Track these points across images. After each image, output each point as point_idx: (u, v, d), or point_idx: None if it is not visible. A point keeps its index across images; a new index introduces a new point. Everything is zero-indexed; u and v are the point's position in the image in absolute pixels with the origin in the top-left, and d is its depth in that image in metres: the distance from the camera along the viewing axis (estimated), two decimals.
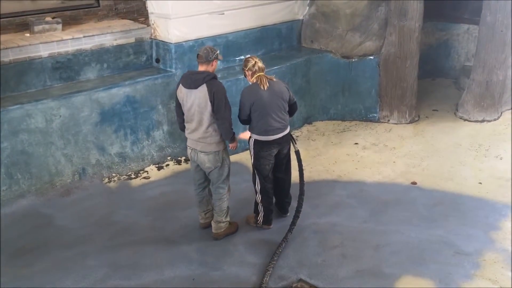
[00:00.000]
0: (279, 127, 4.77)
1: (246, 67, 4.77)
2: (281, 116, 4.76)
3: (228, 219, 4.93)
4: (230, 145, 4.81)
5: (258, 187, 4.99)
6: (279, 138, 4.80)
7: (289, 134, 4.94)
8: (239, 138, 4.95)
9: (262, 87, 4.67)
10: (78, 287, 4.35)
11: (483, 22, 7.17)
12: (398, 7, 7.10)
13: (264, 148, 4.81)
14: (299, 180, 5.13)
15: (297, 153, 5.11)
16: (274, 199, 5.22)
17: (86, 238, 5.03)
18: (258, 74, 4.71)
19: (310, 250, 4.74)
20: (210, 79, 4.49)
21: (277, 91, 4.73)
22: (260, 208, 5.04)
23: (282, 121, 4.78)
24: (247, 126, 4.94)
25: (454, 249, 4.66)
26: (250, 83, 4.82)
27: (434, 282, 4.26)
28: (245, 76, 4.88)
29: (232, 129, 4.65)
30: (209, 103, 4.46)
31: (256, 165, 4.91)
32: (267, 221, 5.10)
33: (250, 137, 4.89)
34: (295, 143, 5.10)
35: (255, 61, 4.74)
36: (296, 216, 5.02)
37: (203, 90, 4.46)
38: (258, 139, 4.79)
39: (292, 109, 4.94)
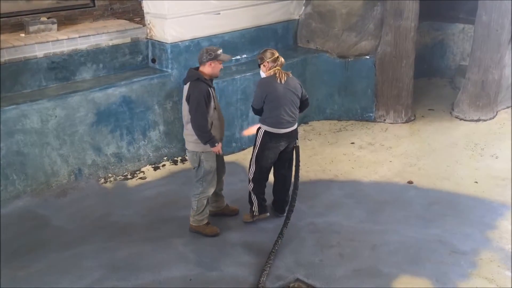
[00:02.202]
0: (289, 121, 4.85)
1: (268, 58, 4.78)
2: (293, 110, 4.85)
3: (198, 217, 4.94)
4: (211, 149, 4.70)
5: (251, 176, 5.05)
6: (289, 132, 4.88)
7: (297, 130, 5.00)
8: (243, 135, 5.08)
9: (279, 81, 4.73)
10: None
11: (478, 21, 7.20)
12: (394, 7, 7.11)
13: (273, 140, 4.88)
14: (294, 175, 5.15)
15: (297, 148, 5.14)
16: (273, 197, 5.29)
17: (82, 239, 5.01)
18: (277, 68, 4.77)
19: (307, 250, 4.74)
20: (194, 80, 4.58)
21: (291, 86, 4.81)
22: (253, 197, 5.11)
23: (293, 116, 4.86)
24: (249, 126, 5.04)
25: (450, 248, 4.68)
26: (264, 76, 4.86)
27: (430, 281, 4.27)
28: (260, 66, 4.88)
29: (204, 134, 4.58)
30: (186, 102, 4.60)
31: (259, 155, 4.95)
32: (262, 210, 5.16)
33: (259, 128, 4.94)
34: (297, 139, 5.12)
35: (278, 56, 4.79)
36: (290, 211, 5.05)
37: (186, 88, 4.63)
38: (268, 130, 4.86)
39: (304, 105, 5.01)
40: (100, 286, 4.33)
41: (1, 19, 6.14)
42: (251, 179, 5.06)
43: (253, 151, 5.04)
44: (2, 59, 5.68)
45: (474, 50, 7.32)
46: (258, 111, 4.93)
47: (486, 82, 7.27)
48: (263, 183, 5.11)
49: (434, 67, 9.00)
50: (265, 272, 4.34)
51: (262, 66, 4.87)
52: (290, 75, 4.87)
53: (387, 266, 4.47)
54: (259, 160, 4.97)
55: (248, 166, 5.16)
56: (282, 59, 4.82)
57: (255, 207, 5.12)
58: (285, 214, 5.18)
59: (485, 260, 4.51)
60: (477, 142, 6.81)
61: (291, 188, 5.21)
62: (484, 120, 7.38)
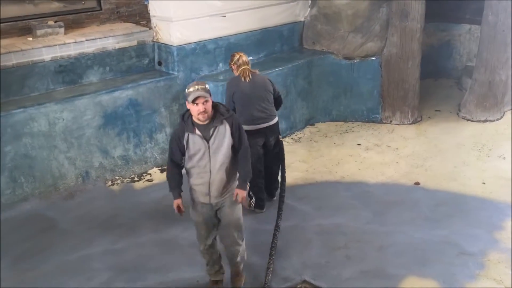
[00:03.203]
0: (262, 116, 5.02)
1: (232, 61, 5.14)
2: (264, 106, 5.03)
3: (206, 269, 4.29)
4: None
5: None
6: (263, 128, 5.05)
7: (275, 125, 5.15)
8: None
9: (243, 79, 4.97)
10: None
11: (485, 22, 7.17)
12: (400, 8, 7.10)
13: (249, 137, 4.97)
14: (281, 168, 5.39)
15: (280, 142, 5.37)
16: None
17: (90, 241, 5.03)
18: (242, 67, 5.01)
19: (314, 251, 4.74)
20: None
21: (259, 83, 5.03)
22: (251, 194, 5.34)
23: (265, 111, 5.03)
24: None
25: (458, 250, 4.66)
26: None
27: (438, 282, 4.25)
28: (232, 70, 5.20)
29: (167, 179, 4.06)
30: None
31: None
32: (259, 206, 5.38)
33: None
34: (279, 134, 5.35)
35: (240, 55, 5.10)
36: (281, 201, 5.19)
37: None
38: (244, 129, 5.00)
39: (277, 102, 5.22)
40: None
41: (9, 23, 6.20)
42: None
43: None
44: (10, 63, 5.72)
45: (481, 51, 7.30)
46: None
47: (493, 83, 7.24)
48: (259, 181, 5.27)
49: (441, 68, 8.98)
50: (270, 270, 4.33)
51: (232, 70, 5.18)
52: (257, 72, 5.12)
53: (394, 268, 4.45)
54: None
55: None
56: (243, 58, 5.06)
57: (253, 202, 5.38)
58: (274, 198, 5.42)
59: (492, 261, 4.48)
60: (484, 143, 6.78)
61: (280, 180, 5.43)
62: (491, 121, 7.34)
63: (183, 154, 3.82)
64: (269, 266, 4.39)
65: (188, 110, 3.74)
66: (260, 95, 5.00)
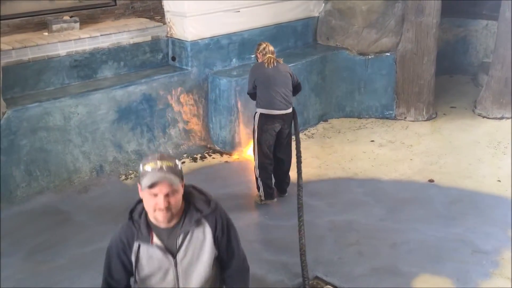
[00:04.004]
0: (282, 101, 5.13)
1: (258, 50, 5.28)
2: (284, 92, 5.14)
3: None
4: None
5: (257, 162, 5.31)
6: (282, 114, 5.15)
7: (291, 114, 5.25)
8: None
9: (267, 65, 5.11)
10: (95, 283, 4.39)
11: (502, 18, 7.08)
12: (415, 3, 7.04)
13: (267, 121, 5.16)
14: (297, 160, 5.26)
15: (297, 134, 5.41)
16: (273, 179, 5.45)
17: (103, 234, 5.04)
18: (268, 56, 5.16)
19: (326, 247, 4.73)
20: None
21: (281, 70, 5.18)
22: (260, 183, 5.35)
23: (285, 97, 5.14)
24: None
25: (472, 248, 4.61)
26: None
27: (451, 280, 4.21)
28: (257, 59, 5.32)
29: None
30: None
31: (259, 139, 5.22)
32: (269, 196, 5.39)
33: (255, 112, 5.26)
34: (297, 124, 5.39)
35: (266, 45, 5.27)
36: (299, 190, 5.10)
37: None
38: (262, 112, 5.17)
39: (296, 89, 5.36)
40: None
41: (25, 18, 6.27)
42: (257, 165, 5.31)
43: (253, 138, 5.30)
44: (26, 57, 5.79)
45: (498, 47, 7.21)
46: (252, 95, 5.32)
47: (509, 79, 7.14)
48: (268, 167, 5.32)
49: (456, 64, 8.89)
50: (303, 250, 4.22)
51: (258, 58, 5.34)
52: (281, 61, 5.25)
53: (406, 265, 4.42)
54: (260, 143, 5.22)
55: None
56: (270, 48, 5.22)
57: (261, 193, 5.38)
58: (286, 194, 5.50)
59: (507, 260, 4.43)
60: (500, 140, 6.69)
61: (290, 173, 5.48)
62: (508, 118, 7.25)
63: (131, 275, 2.39)
64: (302, 245, 4.29)
65: (141, 201, 2.28)
66: (283, 81, 5.14)
